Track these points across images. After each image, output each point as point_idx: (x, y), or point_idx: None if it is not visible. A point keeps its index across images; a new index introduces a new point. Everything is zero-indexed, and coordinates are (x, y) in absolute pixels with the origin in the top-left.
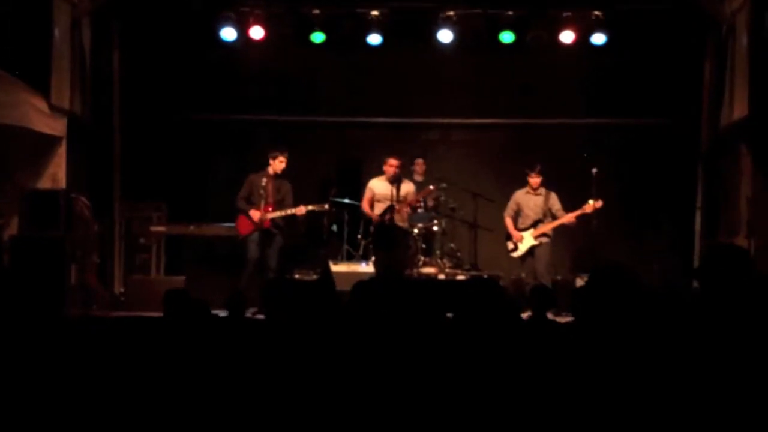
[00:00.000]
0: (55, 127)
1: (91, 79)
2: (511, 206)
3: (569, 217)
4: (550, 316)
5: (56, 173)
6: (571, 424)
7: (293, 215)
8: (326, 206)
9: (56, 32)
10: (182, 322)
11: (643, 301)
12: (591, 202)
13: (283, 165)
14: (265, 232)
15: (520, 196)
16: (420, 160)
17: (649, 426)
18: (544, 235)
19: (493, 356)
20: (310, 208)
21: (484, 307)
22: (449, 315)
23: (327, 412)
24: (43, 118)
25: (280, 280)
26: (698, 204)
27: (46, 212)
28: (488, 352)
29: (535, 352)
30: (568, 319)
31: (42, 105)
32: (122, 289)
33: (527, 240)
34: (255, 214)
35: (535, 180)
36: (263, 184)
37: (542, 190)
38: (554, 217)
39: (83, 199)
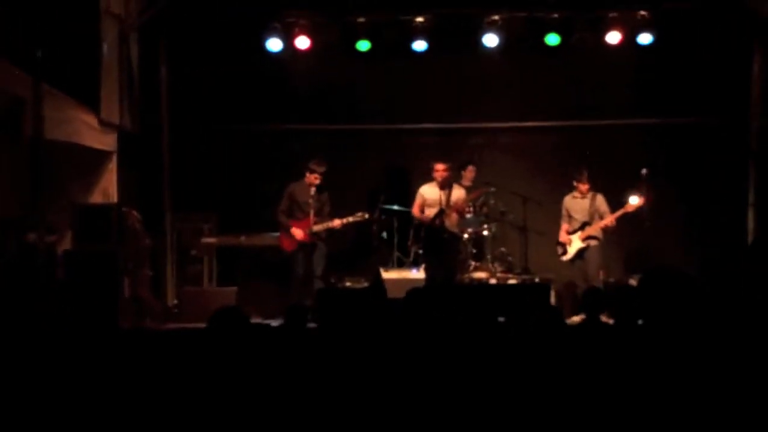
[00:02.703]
0: (105, 142)
1: (140, 93)
2: (563, 212)
3: (610, 219)
4: (603, 318)
5: (107, 187)
6: (626, 426)
7: (332, 227)
8: (366, 216)
9: (105, 47)
10: (231, 333)
11: (701, 304)
12: (632, 200)
13: (318, 182)
14: (308, 245)
15: (569, 200)
16: (471, 167)
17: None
18: (592, 237)
19: (547, 360)
20: (346, 221)
21: (532, 311)
22: (501, 319)
23: (384, 419)
24: (93, 134)
25: (332, 290)
26: (750, 201)
27: (98, 226)
28: (542, 356)
29: (589, 355)
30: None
31: (92, 120)
32: (175, 301)
33: (575, 243)
34: (297, 232)
35: (583, 186)
36: (311, 194)
37: (589, 193)
38: (602, 219)
39: (135, 212)
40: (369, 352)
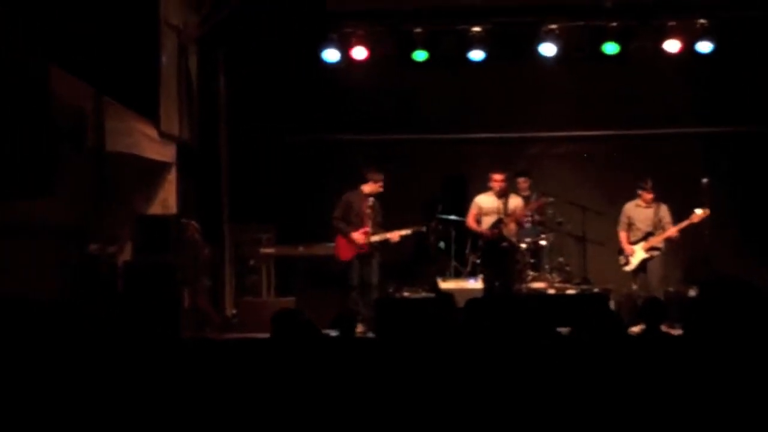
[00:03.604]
0: (164, 153)
1: (198, 104)
2: (623, 220)
3: (674, 230)
4: (663, 328)
5: (167, 198)
6: None
7: (388, 240)
8: (423, 228)
9: (164, 59)
10: (291, 343)
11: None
12: (698, 212)
13: (381, 189)
14: (365, 254)
15: (631, 209)
16: (522, 179)
17: None
18: (654, 248)
19: (607, 370)
20: (407, 232)
21: (591, 322)
22: (561, 330)
23: (443, 427)
24: (153, 145)
25: (391, 300)
26: None
27: (158, 237)
28: (600, 367)
29: (649, 365)
30: (681, 331)
31: (152, 132)
32: (234, 311)
33: (638, 253)
34: (359, 237)
35: (647, 195)
36: (369, 204)
37: (653, 203)
38: (664, 230)
39: (194, 223)
40: (430, 363)
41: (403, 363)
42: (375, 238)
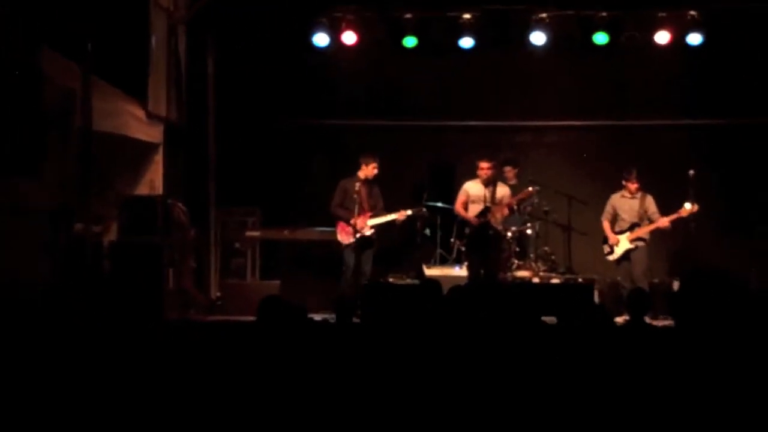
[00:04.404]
0: (152, 134)
1: (187, 86)
2: (607, 210)
3: (664, 222)
4: (647, 319)
5: (153, 179)
6: (669, 426)
7: (392, 221)
8: (424, 210)
9: (153, 40)
10: (278, 328)
11: (746, 305)
12: (687, 206)
13: (376, 171)
14: (364, 239)
15: (616, 199)
16: (509, 167)
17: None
18: (640, 239)
19: (592, 360)
20: (409, 212)
21: (578, 310)
22: (545, 319)
23: (426, 413)
24: (140, 126)
25: (379, 285)
26: None
27: (144, 218)
28: (586, 357)
29: (634, 356)
30: (666, 322)
31: (140, 113)
32: (218, 294)
33: (623, 243)
34: (359, 222)
35: (632, 185)
36: (357, 189)
37: (638, 193)
38: (650, 221)
39: (180, 204)
40: (413, 349)
41: (387, 349)
42: (376, 221)
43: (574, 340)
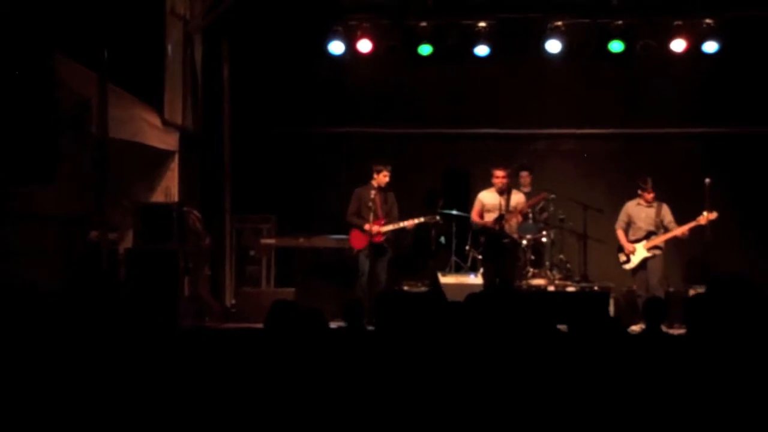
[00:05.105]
0: (167, 141)
1: (203, 93)
2: (622, 218)
3: (682, 230)
4: (663, 328)
5: (169, 187)
6: None
7: (403, 228)
8: (437, 218)
9: (169, 49)
10: (290, 333)
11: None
12: (705, 213)
13: (387, 179)
14: (377, 245)
15: (632, 207)
16: (525, 173)
17: None
18: (656, 247)
19: (607, 369)
20: (420, 220)
21: (591, 320)
22: (560, 327)
23: (440, 423)
24: (156, 133)
25: (392, 293)
26: None
27: (160, 225)
28: (601, 365)
29: (651, 365)
30: (681, 331)
31: (155, 120)
32: (233, 301)
33: (639, 252)
34: (373, 227)
35: (648, 194)
36: (371, 197)
37: (654, 202)
38: (666, 229)
39: (195, 212)
40: (426, 357)
41: (401, 357)
42: (387, 228)
43: (587, 349)
